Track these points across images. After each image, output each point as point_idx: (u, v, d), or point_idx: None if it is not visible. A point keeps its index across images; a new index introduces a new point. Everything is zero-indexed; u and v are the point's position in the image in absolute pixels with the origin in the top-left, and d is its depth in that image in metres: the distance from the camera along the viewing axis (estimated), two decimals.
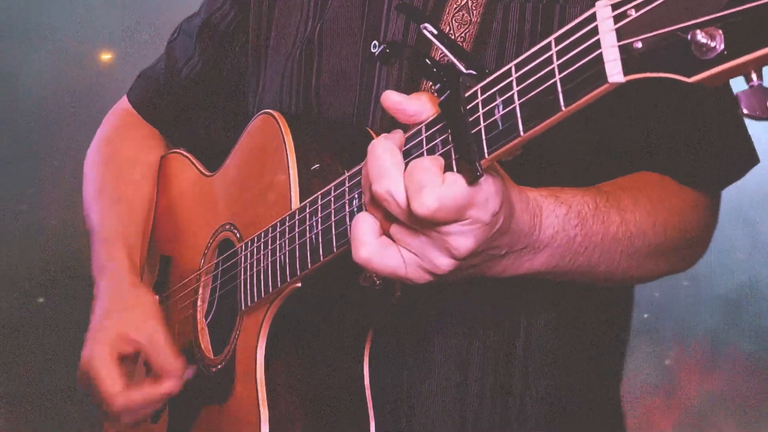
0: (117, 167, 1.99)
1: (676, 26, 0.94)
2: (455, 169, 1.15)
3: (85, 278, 1.93)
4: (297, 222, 1.44)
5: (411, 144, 1.23)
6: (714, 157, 1.61)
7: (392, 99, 1.24)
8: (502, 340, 1.59)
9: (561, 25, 1.50)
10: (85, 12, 4.20)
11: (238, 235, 1.65)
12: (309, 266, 1.41)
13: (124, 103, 2.07)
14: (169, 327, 1.79)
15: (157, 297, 1.89)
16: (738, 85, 0.94)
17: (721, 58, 0.91)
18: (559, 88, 1.04)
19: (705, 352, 4.32)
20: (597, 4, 1.01)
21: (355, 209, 1.32)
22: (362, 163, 1.28)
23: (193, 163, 1.90)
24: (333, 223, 1.36)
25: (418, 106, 1.23)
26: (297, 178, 1.48)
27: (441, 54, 1.51)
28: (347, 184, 1.34)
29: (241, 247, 1.61)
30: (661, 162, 1.57)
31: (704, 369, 4.31)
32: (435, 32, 1.20)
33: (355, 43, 1.67)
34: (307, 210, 1.42)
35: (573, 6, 1.53)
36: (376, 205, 1.21)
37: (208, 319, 1.74)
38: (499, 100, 1.11)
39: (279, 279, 1.48)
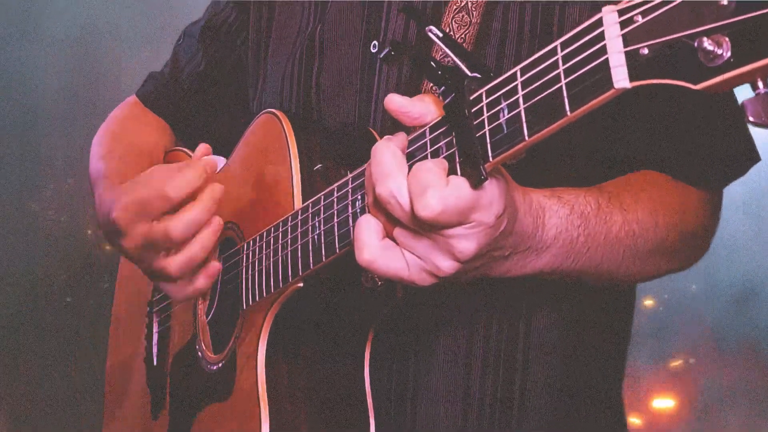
0: (125, 140, 1.94)
1: (682, 33, 0.94)
2: (459, 173, 1.15)
3: (87, 280, 1.92)
4: (300, 222, 1.44)
5: (415, 146, 1.23)
6: (715, 156, 1.61)
7: (396, 102, 1.24)
8: (504, 339, 1.60)
9: (560, 26, 1.51)
10: (89, 12, 4.19)
11: (240, 234, 1.65)
12: (311, 266, 1.41)
13: (132, 97, 2.08)
14: (171, 325, 1.79)
15: (158, 295, 1.89)
16: (742, 93, 0.94)
17: (728, 66, 0.91)
18: (565, 93, 1.04)
19: (713, 348, 4.33)
20: (603, 9, 1.01)
21: (358, 210, 1.32)
22: (365, 164, 1.27)
23: None
24: (336, 224, 1.36)
25: (422, 108, 1.23)
26: (300, 178, 1.48)
27: (442, 55, 1.51)
28: (350, 185, 1.34)
29: (243, 246, 1.61)
30: (662, 161, 1.57)
31: (714, 364, 4.31)
32: (440, 35, 1.19)
33: (355, 44, 1.66)
34: (310, 210, 1.42)
35: (572, 7, 1.53)
36: (379, 207, 1.21)
37: (209, 318, 1.74)
38: (504, 104, 1.11)
39: (281, 278, 1.48)
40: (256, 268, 1.55)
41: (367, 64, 1.64)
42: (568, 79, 1.04)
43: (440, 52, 1.51)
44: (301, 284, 1.46)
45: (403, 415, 1.61)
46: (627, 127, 1.56)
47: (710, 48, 0.92)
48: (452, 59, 1.19)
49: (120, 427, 1.89)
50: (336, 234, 1.35)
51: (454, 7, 1.58)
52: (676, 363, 4.39)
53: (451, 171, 1.16)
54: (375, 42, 1.63)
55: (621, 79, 0.99)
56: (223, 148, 1.75)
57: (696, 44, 0.92)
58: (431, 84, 1.48)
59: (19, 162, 4.13)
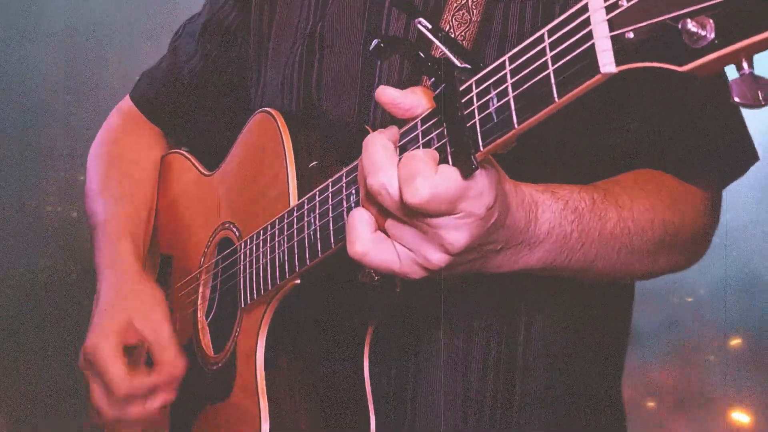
0: (120, 165, 2.00)
1: (667, 16, 0.94)
2: (450, 163, 1.15)
3: (87, 280, 1.94)
4: (295, 219, 1.44)
5: (407, 139, 1.23)
6: (714, 155, 1.60)
7: (388, 94, 1.24)
8: (504, 340, 1.59)
9: None
10: (90, 11, 4.21)
11: (237, 233, 1.65)
12: (308, 262, 1.41)
13: (126, 102, 2.09)
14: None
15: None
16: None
17: (712, 47, 0.91)
18: (553, 80, 1.04)
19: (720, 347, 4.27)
20: None
21: (353, 205, 1.32)
22: (358, 159, 1.28)
23: (192, 162, 1.91)
24: (331, 219, 1.36)
25: (413, 100, 1.23)
26: (295, 175, 1.49)
27: (441, 52, 1.52)
28: (344, 180, 1.35)
29: (241, 245, 1.61)
30: (661, 159, 1.57)
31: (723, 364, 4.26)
32: (429, 26, 1.20)
33: (355, 42, 1.67)
34: (305, 207, 1.42)
35: (573, 5, 1.53)
36: (371, 199, 1.22)
37: (209, 317, 1.75)
38: (493, 93, 1.12)
39: (278, 276, 1.48)
40: (254, 267, 1.55)
41: (367, 61, 1.65)
42: (555, 66, 1.04)
43: (438, 49, 1.51)
44: (299, 281, 1.46)
45: (402, 416, 1.61)
46: (626, 125, 1.55)
47: (694, 30, 0.92)
48: (443, 51, 1.19)
49: (121, 427, 1.89)
50: (331, 229, 1.36)
51: (455, 4, 1.58)
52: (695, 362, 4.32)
53: (443, 161, 1.16)
54: (376, 40, 1.64)
55: (607, 63, 0.99)
56: (221, 148, 1.75)
57: (680, 26, 0.93)
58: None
59: (19, 162, 4.14)
